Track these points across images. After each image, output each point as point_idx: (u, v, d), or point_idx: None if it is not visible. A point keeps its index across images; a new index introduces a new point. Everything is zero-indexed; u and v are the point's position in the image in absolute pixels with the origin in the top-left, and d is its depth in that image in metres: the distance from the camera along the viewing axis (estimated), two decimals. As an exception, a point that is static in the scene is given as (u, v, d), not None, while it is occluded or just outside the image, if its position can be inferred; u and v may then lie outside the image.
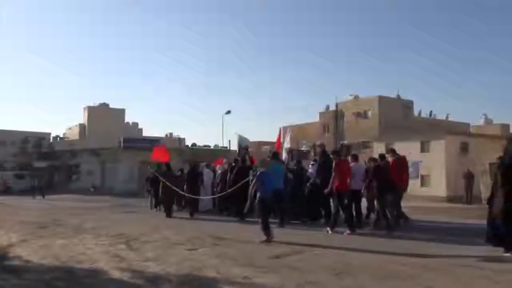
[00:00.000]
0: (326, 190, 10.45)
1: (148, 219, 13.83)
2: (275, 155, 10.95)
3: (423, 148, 30.31)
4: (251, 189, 10.62)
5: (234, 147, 24.31)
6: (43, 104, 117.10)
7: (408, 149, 27.52)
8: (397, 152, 11.79)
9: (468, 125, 51.61)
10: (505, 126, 52.50)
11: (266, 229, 8.81)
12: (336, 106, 57.04)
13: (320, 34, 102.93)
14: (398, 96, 52.83)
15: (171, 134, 58.49)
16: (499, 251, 6.95)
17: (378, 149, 32.00)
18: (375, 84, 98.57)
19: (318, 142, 23.89)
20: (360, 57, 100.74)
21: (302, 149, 49.35)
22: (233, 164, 14.24)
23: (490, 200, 7.35)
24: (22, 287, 5.36)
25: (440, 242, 8.58)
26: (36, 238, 9.50)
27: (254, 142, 61.96)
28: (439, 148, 29.48)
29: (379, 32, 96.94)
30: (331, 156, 11.03)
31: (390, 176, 10.67)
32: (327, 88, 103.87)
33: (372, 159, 11.61)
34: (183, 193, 14.62)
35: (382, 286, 5.22)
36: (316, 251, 7.72)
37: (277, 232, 9.27)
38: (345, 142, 22.90)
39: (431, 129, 39.80)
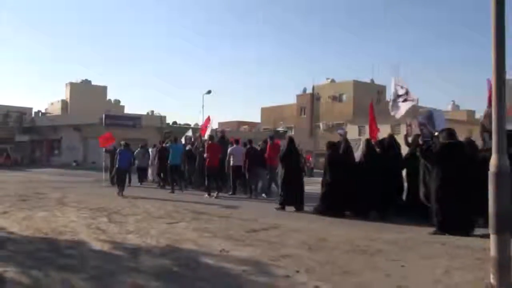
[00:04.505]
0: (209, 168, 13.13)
1: (129, 194, 13.71)
2: (175, 139, 16.02)
3: (393, 131, 30.73)
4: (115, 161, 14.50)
5: (214, 125, 24.52)
6: (25, 79, 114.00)
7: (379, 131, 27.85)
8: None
9: (436, 110, 52.38)
10: (470, 112, 53.60)
11: (118, 187, 13.28)
12: (313, 89, 57.24)
13: (301, 18, 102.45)
14: (372, 81, 53.36)
15: (152, 112, 57.77)
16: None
17: (352, 130, 32.45)
18: (350, 69, 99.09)
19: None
20: (337, 41, 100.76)
21: (279, 129, 49.63)
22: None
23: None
24: (5, 258, 5.28)
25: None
26: (18, 210, 9.35)
27: (233, 122, 61.98)
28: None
29: (355, 17, 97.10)
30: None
31: (263, 157, 13.17)
32: (305, 71, 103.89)
33: (247, 142, 14.19)
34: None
35: (353, 260, 5.33)
36: (291, 226, 7.81)
37: (260, 209, 9.28)
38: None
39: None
